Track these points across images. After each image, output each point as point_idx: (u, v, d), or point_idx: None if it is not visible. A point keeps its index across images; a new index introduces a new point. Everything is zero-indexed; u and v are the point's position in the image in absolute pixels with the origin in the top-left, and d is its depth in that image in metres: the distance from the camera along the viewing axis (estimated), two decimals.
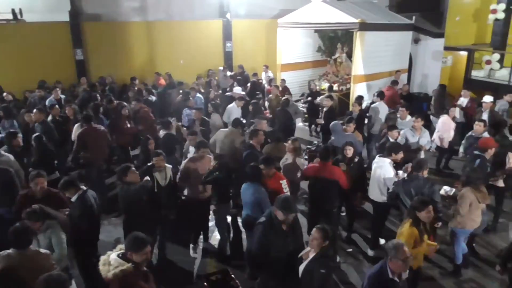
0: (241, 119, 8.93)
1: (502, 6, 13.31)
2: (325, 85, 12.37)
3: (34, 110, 7.96)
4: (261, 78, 14.10)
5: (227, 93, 11.58)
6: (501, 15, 13.40)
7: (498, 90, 11.50)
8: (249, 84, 12.95)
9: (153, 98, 10.81)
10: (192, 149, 6.80)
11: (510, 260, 4.45)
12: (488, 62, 13.09)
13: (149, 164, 5.79)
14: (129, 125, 8.44)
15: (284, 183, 5.25)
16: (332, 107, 9.17)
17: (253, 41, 16.10)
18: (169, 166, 5.89)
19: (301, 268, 3.88)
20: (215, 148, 7.09)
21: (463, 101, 9.76)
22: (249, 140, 6.54)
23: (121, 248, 3.47)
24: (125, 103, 9.38)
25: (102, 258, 3.41)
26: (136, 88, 11.69)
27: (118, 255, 3.37)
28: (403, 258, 3.47)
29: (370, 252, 6.13)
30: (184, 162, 6.13)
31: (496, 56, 13.04)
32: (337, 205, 6.07)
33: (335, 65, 13.68)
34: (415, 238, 4.25)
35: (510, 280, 4.35)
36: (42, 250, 3.95)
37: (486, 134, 7.21)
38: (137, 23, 14.22)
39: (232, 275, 4.83)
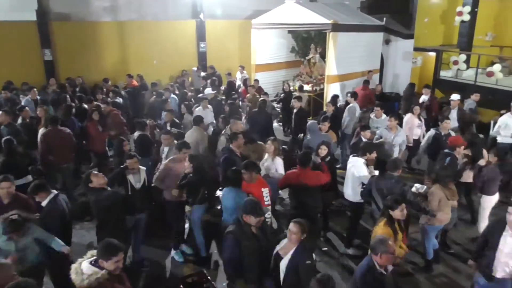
0: (213, 121, 8.97)
1: (468, 8, 13.78)
2: (298, 85, 12.49)
3: (0, 112, 7.70)
4: (236, 78, 14.09)
5: (199, 95, 11.52)
6: (466, 17, 13.87)
7: (465, 89, 11.92)
8: (223, 87, 12.92)
9: (120, 100, 10.58)
10: (166, 149, 6.72)
11: (481, 254, 4.59)
12: (455, 62, 13.52)
13: (121, 166, 5.69)
14: (101, 130, 8.26)
15: (266, 191, 5.09)
16: (301, 108, 9.24)
17: (227, 41, 16.06)
18: (143, 168, 5.79)
19: (283, 264, 3.87)
20: None
21: (424, 98, 10.06)
22: (228, 144, 6.45)
23: (92, 254, 3.39)
24: (100, 104, 9.22)
25: (73, 267, 3.31)
26: (104, 90, 11.46)
27: (90, 263, 3.29)
28: (392, 251, 3.56)
29: (347, 251, 6.20)
30: (164, 162, 6.04)
31: (463, 56, 13.48)
32: (320, 210, 6.10)
33: (309, 66, 13.81)
34: (390, 237, 4.33)
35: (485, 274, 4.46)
36: (2, 260, 3.92)
37: (452, 133, 7.49)
38: (108, 23, 13.94)
39: (209, 277, 4.79)
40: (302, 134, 9.02)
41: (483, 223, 6.03)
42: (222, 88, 12.98)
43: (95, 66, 13.62)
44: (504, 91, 11.29)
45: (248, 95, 11.05)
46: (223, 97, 11.40)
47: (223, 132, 7.58)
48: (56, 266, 4.81)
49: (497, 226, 4.28)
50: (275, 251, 4.00)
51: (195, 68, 14.90)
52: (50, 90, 11.23)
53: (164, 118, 8.48)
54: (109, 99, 9.94)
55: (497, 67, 12.30)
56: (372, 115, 8.58)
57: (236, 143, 6.32)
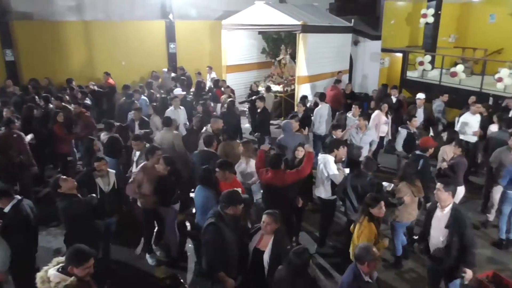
0: (187, 122, 8.89)
1: (431, 11, 14.23)
2: (266, 86, 12.54)
3: None
4: (206, 80, 13.96)
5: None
6: (430, 19, 14.32)
7: (430, 89, 12.32)
8: (192, 89, 12.79)
9: (89, 101, 10.29)
10: (138, 153, 6.59)
11: (424, 239, 4.75)
12: (421, 63, 13.94)
13: (89, 168, 5.53)
14: (66, 132, 8.03)
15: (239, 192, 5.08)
16: (265, 108, 9.31)
17: (197, 42, 15.94)
18: (112, 171, 5.65)
19: (266, 257, 3.96)
20: None
21: (396, 99, 10.36)
22: (207, 147, 6.33)
23: (58, 261, 3.27)
24: (66, 105, 8.94)
25: (39, 275, 3.17)
26: (68, 91, 11.12)
27: (57, 270, 3.17)
28: (377, 257, 3.56)
29: (318, 249, 6.23)
30: (135, 171, 5.87)
31: (428, 57, 13.91)
32: (294, 209, 6.11)
33: (280, 67, 13.90)
34: (375, 234, 4.41)
35: (431, 258, 4.61)
36: None
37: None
38: (74, 23, 13.54)
39: (181, 280, 4.74)
40: (259, 133, 9.19)
41: None
42: (192, 89, 12.85)
43: (60, 67, 13.21)
44: (466, 91, 11.72)
45: (224, 95, 10.94)
46: (193, 98, 11.31)
47: (203, 130, 7.50)
48: (21, 275, 4.65)
49: (431, 208, 4.50)
50: (253, 247, 4.08)
51: (165, 69, 14.71)
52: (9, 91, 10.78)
53: (133, 117, 8.37)
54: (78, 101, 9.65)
55: (460, 68, 12.76)
56: (349, 114, 8.75)
57: (215, 146, 6.35)
